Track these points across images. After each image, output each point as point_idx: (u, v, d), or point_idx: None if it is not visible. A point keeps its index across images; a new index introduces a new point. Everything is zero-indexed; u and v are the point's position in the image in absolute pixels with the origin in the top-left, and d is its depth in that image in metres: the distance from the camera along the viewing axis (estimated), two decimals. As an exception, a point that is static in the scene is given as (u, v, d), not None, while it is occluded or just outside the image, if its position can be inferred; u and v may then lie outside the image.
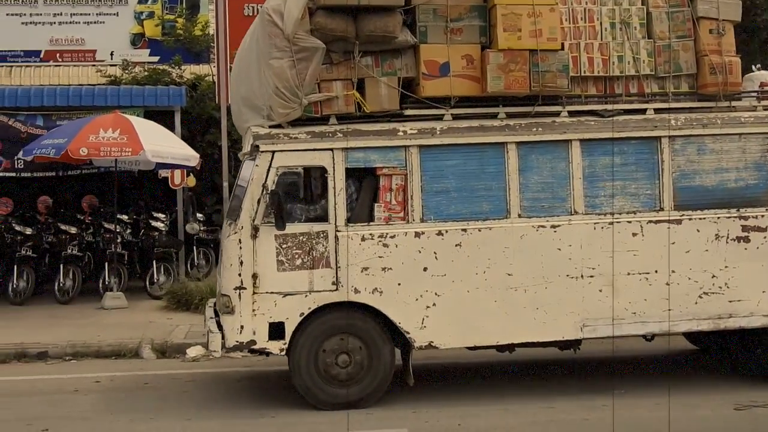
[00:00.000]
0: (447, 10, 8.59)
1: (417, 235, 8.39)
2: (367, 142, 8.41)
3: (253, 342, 8.26)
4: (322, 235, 8.31)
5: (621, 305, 8.62)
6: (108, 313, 13.42)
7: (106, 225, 14.97)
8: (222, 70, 14.76)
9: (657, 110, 8.91)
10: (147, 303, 14.12)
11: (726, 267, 8.76)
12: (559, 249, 8.56)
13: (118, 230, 14.58)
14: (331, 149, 8.36)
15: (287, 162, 8.37)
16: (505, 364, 9.95)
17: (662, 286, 8.67)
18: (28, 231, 14.72)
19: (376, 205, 8.44)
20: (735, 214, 8.80)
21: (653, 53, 8.94)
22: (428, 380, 9.41)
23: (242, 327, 8.23)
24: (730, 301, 8.76)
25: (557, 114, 8.76)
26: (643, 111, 8.90)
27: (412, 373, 8.57)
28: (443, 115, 8.64)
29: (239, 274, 8.22)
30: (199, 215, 16.05)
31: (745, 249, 8.80)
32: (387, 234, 8.36)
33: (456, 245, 8.43)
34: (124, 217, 15.31)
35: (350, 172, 8.46)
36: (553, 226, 8.56)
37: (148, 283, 14.69)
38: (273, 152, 8.31)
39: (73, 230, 14.93)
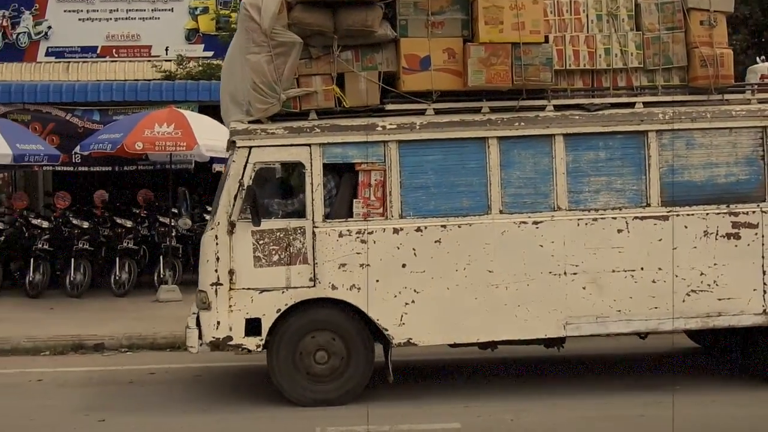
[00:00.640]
0: (428, 4, 8.48)
1: (395, 231, 8.31)
2: (345, 137, 8.34)
3: (230, 338, 8.25)
4: (299, 231, 8.26)
5: (605, 303, 8.46)
6: (163, 305, 13.55)
7: (161, 219, 15.21)
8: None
9: (646, 104, 8.71)
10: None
11: (715, 264, 8.54)
12: (542, 246, 8.41)
13: (172, 224, 14.76)
14: (309, 145, 8.30)
15: (264, 158, 8.33)
16: (556, 360, 9.82)
17: (648, 283, 8.48)
18: (85, 225, 14.94)
19: (354, 201, 8.37)
20: (725, 211, 8.58)
21: (642, 45, 8.73)
22: (480, 375, 9.43)
23: (219, 323, 8.22)
24: (720, 300, 8.55)
25: (543, 108, 8.60)
26: (632, 105, 8.70)
27: (392, 371, 8.50)
28: (425, 109, 8.53)
29: (216, 270, 8.21)
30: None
31: (736, 246, 8.57)
32: (365, 230, 8.29)
33: (435, 241, 8.33)
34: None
35: (329, 168, 8.40)
36: (535, 223, 8.42)
37: None
38: (250, 148, 8.28)
39: (129, 224, 15.17)
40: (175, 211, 14.62)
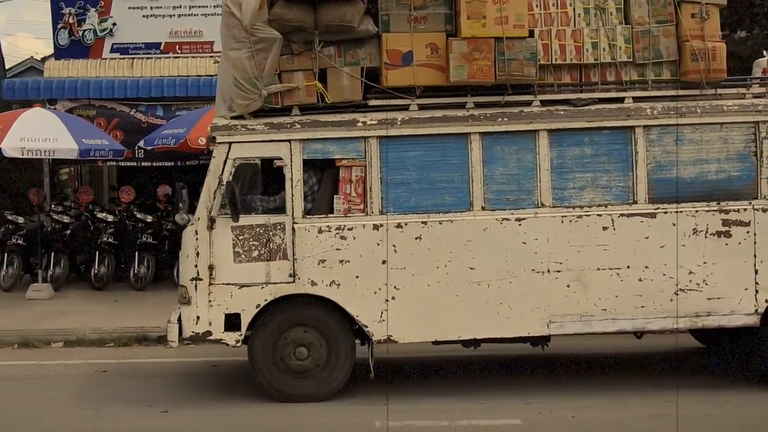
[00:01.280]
0: (411, -2, 8.41)
1: (375, 227, 8.26)
2: (326, 133, 8.32)
3: (209, 333, 8.28)
4: (279, 227, 8.26)
5: (590, 301, 8.32)
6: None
7: None
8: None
9: (636, 99, 8.54)
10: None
11: (705, 263, 8.34)
12: (525, 243, 8.30)
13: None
14: (289, 140, 8.30)
15: (244, 153, 8.34)
16: (620, 356, 9.79)
17: (635, 282, 8.32)
18: (149, 218, 15.26)
19: (335, 197, 8.34)
20: (715, 208, 8.37)
21: (631, 39, 8.55)
22: (540, 371, 9.43)
23: (198, 318, 8.26)
24: (709, 299, 8.35)
25: (529, 103, 8.48)
26: (622, 100, 8.54)
27: (372, 368, 8.49)
28: (409, 105, 8.47)
29: (195, 266, 8.25)
30: None
31: (726, 244, 8.36)
32: (344, 226, 8.26)
33: (416, 238, 8.27)
34: None
35: (310, 164, 8.39)
36: (518, 219, 8.31)
37: None
38: (230, 143, 8.30)
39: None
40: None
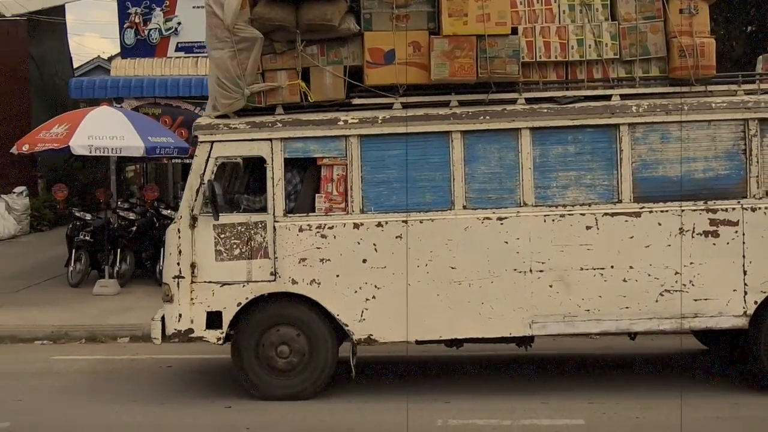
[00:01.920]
0: (393, -3, 8.38)
1: (356, 226, 8.25)
2: (307, 132, 8.33)
3: (191, 330, 8.35)
4: (260, 226, 8.30)
5: (573, 302, 8.22)
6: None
7: None
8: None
9: (624, 96, 8.41)
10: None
11: (691, 263, 8.18)
12: (506, 242, 8.22)
13: None
14: (270, 139, 8.33)
15: (226, 152, 8.39)
16: (685, 356, 9.71)
17: (619, 282, 8.20)
18: None
19: (317, 195, 8.36)
20: (702, 207, 8.21)
21: (617, 36, 8.42)
22: (605, 370, 9.38)
23: (180, 315, 8.34)
24: (696, 300, 8.19)
25: (514, 101, 8.40)
26: (609, 97, 8.41)
27: (354, 367, 8.51)
28: (393, 104, 8.44)
29: (178, 263, 8.33)
30: None
31: (714, 244, 8.19)
32: (325, 225, 8.27)
33: (396, 237, 8.24)
34: None
35: (293, 163, 8.41)
36: (499, 219, 8.23)
37: None
38: (212, 143, 8.36)
39: None
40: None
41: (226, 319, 8.32)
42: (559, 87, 8.52)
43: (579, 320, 8.25)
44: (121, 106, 16.81)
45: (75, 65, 28.38)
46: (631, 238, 8.19)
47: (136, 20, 18.62)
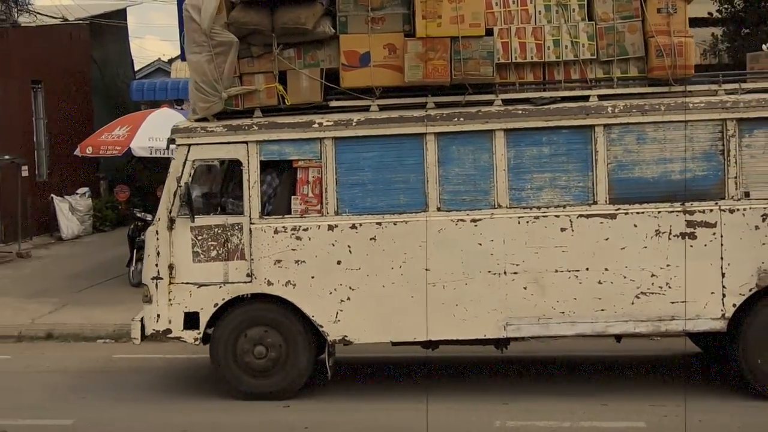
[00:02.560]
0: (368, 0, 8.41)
1: (330, 228, 8.30)
2: (282, 134, 8.40)
3: (169, 330, 8.48)
4: (237, 228, 8.39)
5: (548, 304, 8.18)
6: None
7: None
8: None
9: (602, 97, 8.34)
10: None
11: (668, 266, 8.10)
12: (480, 244, 8.21)
13: None
14: (246, 142, 8.41)
15: (202, 155, 8.51)
16: None
17: (594, 284, 8.14)
18: None
19: (292, 197, 8.42)
20: (679, 209, 8.11)
21: (595, 36, 8.35)
22: (667, 373, 9.31)
23: (159, 316, 8.46)
24: (672, 303, 8.10)
25: (491, 103, 8.38)
26: (587, 98, 8.35)
27: (330, 369, 8.55)
28: (369, 106, 8.47)
29: (156, 265, 8.45)
30: None
31: (691, 246, 8.08)
32: (300, 227, 8.33)
33: (371, 239, 8.28)
34: None
35: (269, 165, 8.49)
36: (473, 220, 8.22)
37: None
38: (189, 146, 8.47)
39: None
40: None
41: (203, 320, 8.43)
42: (537, 88, 8.48)
43: (554, 322, 8.20)
44: (182, 108, 16.91)
45: (136, 68, 28.64)
46: (607, 239, 8.12)
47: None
